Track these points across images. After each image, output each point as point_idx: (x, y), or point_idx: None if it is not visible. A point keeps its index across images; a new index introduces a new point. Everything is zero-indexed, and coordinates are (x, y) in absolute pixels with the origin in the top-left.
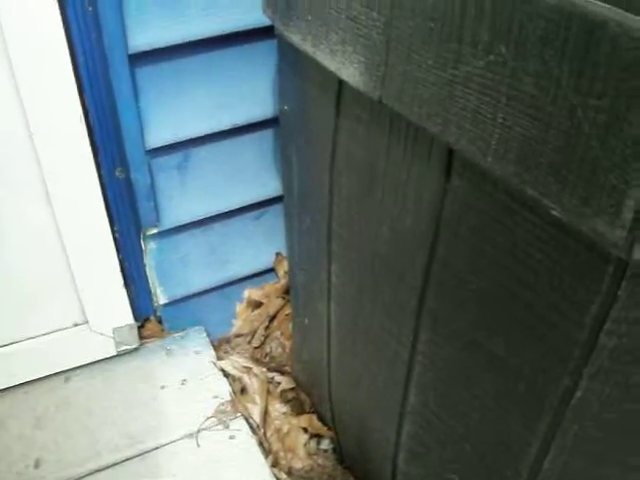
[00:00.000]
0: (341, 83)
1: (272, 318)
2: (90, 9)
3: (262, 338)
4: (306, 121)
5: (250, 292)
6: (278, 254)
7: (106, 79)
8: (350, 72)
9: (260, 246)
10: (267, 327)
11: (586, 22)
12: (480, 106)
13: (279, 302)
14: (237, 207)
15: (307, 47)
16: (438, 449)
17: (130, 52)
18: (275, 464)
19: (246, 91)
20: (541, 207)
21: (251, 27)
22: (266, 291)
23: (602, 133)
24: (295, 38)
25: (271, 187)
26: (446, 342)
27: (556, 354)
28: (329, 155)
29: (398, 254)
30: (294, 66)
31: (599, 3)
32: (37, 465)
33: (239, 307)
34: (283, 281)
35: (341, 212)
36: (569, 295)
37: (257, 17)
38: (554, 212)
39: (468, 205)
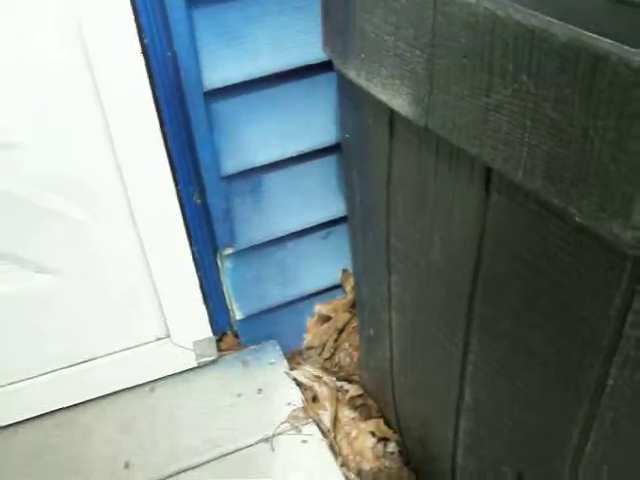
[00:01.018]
0: (392, 112)
1: (340, 331)
2: (169, 54)
3: (332, 350)
4: (365, 147)
5: (320, 307)
6: (345, 271)
7: (184, 114)
8: (399, 102)
9: (328, 264)
10: (336, 339)
11: (592, 55)
12: (510, 129)
13: (346, 316)
14: (306, 227)
15: (362, 81)
16: (491, 443)
17: (205, 90)
18: (345, 466)
19: (310, 120)
20: (566, 214)
21: (313, 62)
22: (334, 306)
23: (611, 149)
24: (351, 74)
25: (336, 208)
26: (493, 341)
27: (588, 346)
28: (385, 176)
29: (448, 263)
30: (351, 98)
31: (603, 39)
32: (127, 466)
33: (310, 321)
34: (350, 296)
35: (398, 227)
36: (595, 291)
37: (318, 52)
38: (577, 218)
39: (506, 216)
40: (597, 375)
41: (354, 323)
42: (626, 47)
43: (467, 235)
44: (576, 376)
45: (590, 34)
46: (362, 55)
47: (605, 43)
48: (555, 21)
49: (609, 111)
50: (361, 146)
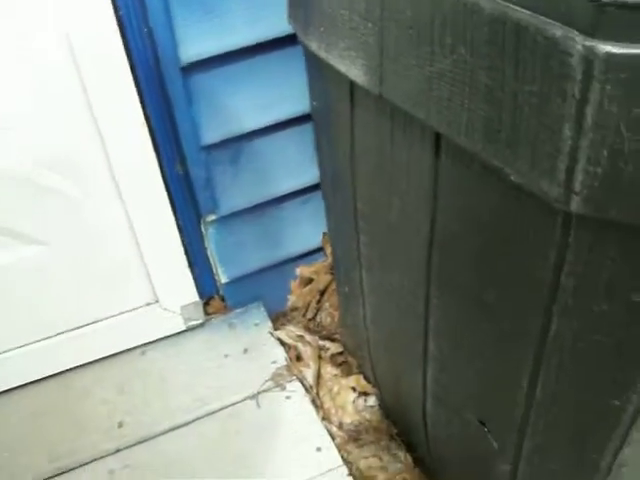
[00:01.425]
0: (352, 82)
1: (322, 292)
2: (145, 30)
3: (314, 310)
4: (330, 115)
5: (302, 269)
6: (325, 234)
7: (163, 89)
8: (356, 73)
9: (308, 227)
10: (318, 300)
11: (515, 26)
12: (451, 96)
13: (328, 278)
14: (285, 193)
15: (322, 53)
16: (455, 392)
17: (182, 64)
18: (327, 420)
19: (286, 90)
20: (503, 174)
21: (286, 34)
22: (316, 268)
23: (537, 112)
24: (313, 46)
25: (314, 174)
26: (451, 295)
27: (532, 296)
28: (349, 143)
29: (406, 224)
30: (315, 68)
31: (525, 11)
32: (120, 425)
33: (293, 284)
34: (330, 258)
35: (362, 191)
36: (534, 245)
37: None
38: (512, 177)
39: (455, 178)
40: (541, 322)
41: (335, 284)
42: (542, 18)
43: (422, 196)
44: (524, 325)
45: (513, 7)
46: (321, 28)
47: (526, 15)
48: None
49: (533, 77)
50: (327, 114)
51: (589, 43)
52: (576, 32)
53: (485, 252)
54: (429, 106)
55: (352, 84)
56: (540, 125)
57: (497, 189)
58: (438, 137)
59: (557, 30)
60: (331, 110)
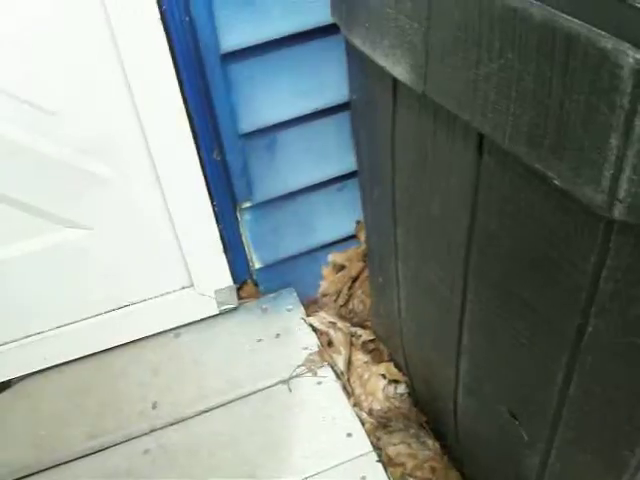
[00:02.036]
0: (395, 79)
1: (354, 279)
2: (187, 19)
3: (346, 297)
4: (371, 109)
5: (334, 256)
6: (359, 222)
7: (203, 76)
8: (400, 70)
9: (343, 215)
10: (350, 287)
11: (565, 35)
12: (497, 99)
13: (360, 265)
14: (320, 181)
15: (366, 49)
16: (487, 384)
17: (222, 52)
18: (357, 406)
19: (323, 79)
20: (547, 178)
21: (325, 23)
22: (349, 255)
23: (583, 121)
24: (357, 41)
25: (350, 162)
26: (488, 290)
27: (569, 297)
28: (390, 137)
29: (446, 218)
30: (358, 63)
31: (576, 21)
32: (155, 406)
33: (325, 270)
34: (364, 246)
35: (402, 183)
36: (575, 248)
37: (329, 14)
38: (555, 182)
39: (497, 177)
40: (578, 323)
41: (367, 272)
42: (593, 29)
43: (462, 194)
44: (560, 324)
45: (564, 16)
46: (366, 25)
47: (578, 25)
48: (534, 1)
49: (581, 87)
50: (367, 108)
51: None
52: (627, 44)
53: (524, 252)
54: (474, 108)
55: (395, 81)
56: (586, 133)
57: (539, 192)
58: (481, 137)
59: (608, 42)
60: (372, 104)
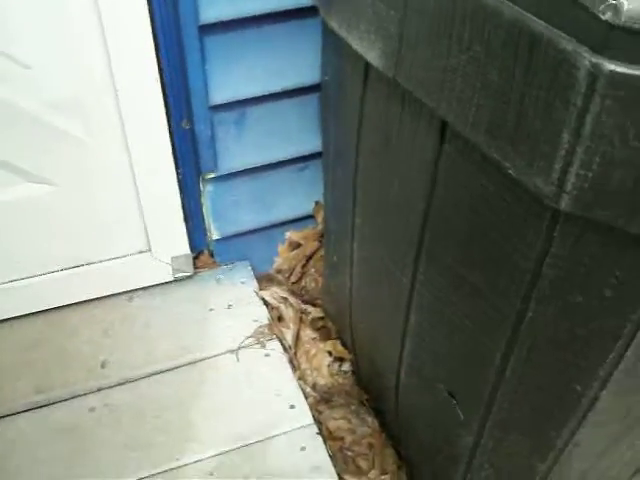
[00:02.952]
0: (367, 63)
1: (308, 258)
2: None
3: (299, 274)
4: (341, 91)
5: (291, 234)
6: (317, 202)
7: (179, 45)
8: (373, 55)
9: (302, 195)
10: (304, 265)
11: (530, 35)
12: (462, 89)
13: (315, 244)
14: (283, 159)
15: (342, 32)
16: (430, 363)
17: (200, 24)
18: (302, 380)
19: (295, 60)
20: (502, 167)
21: (303, 5)
22: (305, 234)
23: (540, 115)
24: (334, 24)
25: (313, 144)
26: (437, 274)
27: (513, 282)
28: (357, 120)
29: (404, 202)
30: (333, 45)
31: (541, 22)
32: (103, 366)
33: (281, 247)
34: (320, 226)
35: (364, 166)
36: (522, 235)
37: None
38: (510, 171)
39: (456, 164)
40: (519, 307)
41: (321, 252)
42: (556, 31)
43: (421, 179)
44: (503, 307)
45: (531, 16)
46: (344, 9)
47: (541, 26)
48: (505, 1)
49: (541, 83)
50: (338, 89)
51: (596, 60)
52: (585, 48)
53: (475, 236)
54: (440, 96)
55: (367, 65)
56: (542, 127)
57: (494, 180)
58: (444, 125)
59: (568, 44)
60: (342, 87)
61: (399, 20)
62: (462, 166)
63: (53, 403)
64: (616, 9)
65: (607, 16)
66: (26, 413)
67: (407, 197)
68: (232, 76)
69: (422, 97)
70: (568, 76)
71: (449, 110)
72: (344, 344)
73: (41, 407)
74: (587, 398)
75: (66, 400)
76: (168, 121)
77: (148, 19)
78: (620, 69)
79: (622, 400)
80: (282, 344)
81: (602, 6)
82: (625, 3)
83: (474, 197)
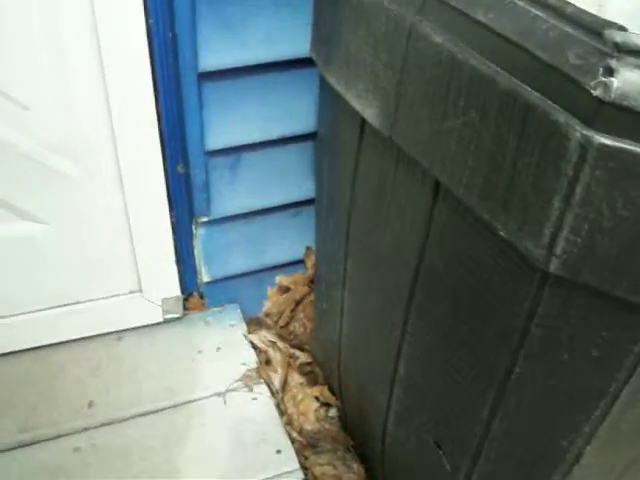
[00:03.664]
0: (364, 119)
1: (298, 302)
2: (170, 35)
3: (287, 319)
4: (336, 144)
5: (281, 278)
6: (308, 248)
7: (178, 91)
8: (370, 113)
9: (293, 240)
10: (293, 310)
11: (525, 105)
12: (457, 152)
13: (305, 289)
14: (276, 205)
15: (340, 89)
16: (417, 414)
17: (199, 71)
18: (289, 424)
19: (293, 108)
20: (494, 228)
21: (301, 56)
22: (295, 279)
23: (532, 182)
24: (332, 80)
25: (307, 190)
26: (428, 326)
27: (502, 339)
28: (351, 173)
29: (396, 256)
30: (330, 99)
31: (535, 93)
32: (90, 405)
33: (270, 291)
34: (310, 272)
35: (357, 217)
36: (511, 294)
37: (306, 48)
38: (501, 233)
39: (448, 222)
40: (507, 364)
41: (311, 297)
42: (550, 102)
43: (414, 234)
44: (491, 363)
45: (525, 86)
46: (343, 66)
47: (536, 97)
48: (501, 71)
49: (533, 151)
50: (333, 142)
51: (587, 132)
52: (577, 120)
53: (465, 293)
54: (435, 157)
55: (364, 121)
56: (533, 193)
57: (485, 240)
58: (438, 184)
59: (561, 116)
60: (338, 140)
61: (397, 81)
62: (454, 224)
63: (38, 442)
64: (606, 86)
65: (598, 92)
66: (11, 452)
67: (399, 252)
68: (229, 122)
69: (417, 156)
70: (560, 146)
71: (443, 171)
72: (331, 390)
73: (26, 446)
74: (572, 454)
75: (51, 439)
76: (164, 165)
77: (149, 65)
78: (609, 142)
79: (606, 455)
80: (270, 388)
81: (593, 82)
82: (615, 81)
83: (465, 255)
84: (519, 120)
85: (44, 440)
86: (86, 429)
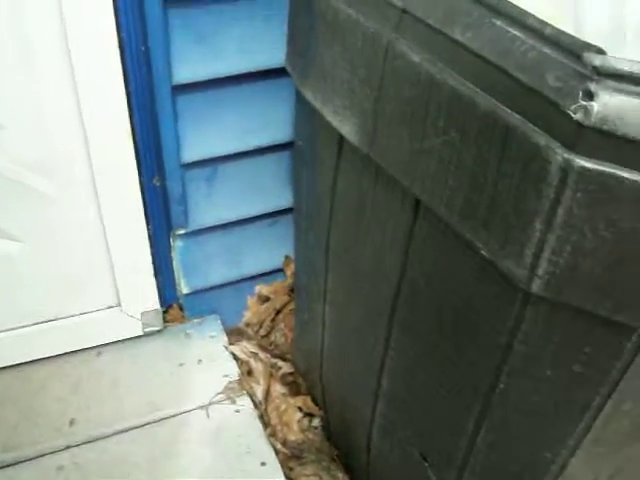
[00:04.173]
0: (341, 135)
1: (278, 312)
2: (143, 48)
3: (268, 329)
4: (314, 158)
5: (260, 288)
6: (287, 257)
7: (152, 105)
8: (347, 130)
9: (272, 249)
10: (273, 319)
11: (505, 127)
12: (437, 171)
13: (285, 298)
14: (254, 215)
15: (317, 104)
16: (402, 426)
17: (173, 84)
18: (273, 436)
19: (269, 119)
20: (475, 247)
21: (276, 66)
22: (274, 288)
23: (513, 203)
24: (308, 95)
25: (284, 199)
26: (410, 341)
27: (485, 355)
28: (330, 187)
29: (377, 271)
30: (307, 113)
31: (516, 116)
32: (72, 424)
33: (250, 300)
34: (290, 280)
35: (337, 233)
36: (494, 312)
37: (281, 58)
38: (482, 252)
39: (429, 239)
40: (491, 380)
41: (291, 306)
42: (530, 125)
43: (395, 250)
44: (475, 378)
45: (505, 108)
46: (319, 81)
47: (516, 119)
48: (480, 92)
49: (514, 173)
50: (311, 156)
51: (567, 155)
52: (558, 144)
53: (448, 310)
54: (414, 175)
55: (341, 137)
56: (514, 214)
57: (466, 258)
58: (418, 202)
59: (541, 139)
60: (316, 154)
61: (375, 99)
62: (436, 242)
63: (20, 462)
64: (586, 110)
65: (578, 116)
66: None
67: (380, 268)
68: (204, 134)
69: (396, 175)
70: (541, 169)
71: (423, 190)
72: (314, 400)
73: (8, 466)
74: (556, 465)
75: (34, 459)
76: (139, 178)
77: (122, 80)
78: (590, 165)
79: (590, 467)
80: (252, 400)
81: (573, 106)
82: (595, 105)
83: (447, 272)
84: (499, 142)
85: (26, 460)
86: (68, 447)
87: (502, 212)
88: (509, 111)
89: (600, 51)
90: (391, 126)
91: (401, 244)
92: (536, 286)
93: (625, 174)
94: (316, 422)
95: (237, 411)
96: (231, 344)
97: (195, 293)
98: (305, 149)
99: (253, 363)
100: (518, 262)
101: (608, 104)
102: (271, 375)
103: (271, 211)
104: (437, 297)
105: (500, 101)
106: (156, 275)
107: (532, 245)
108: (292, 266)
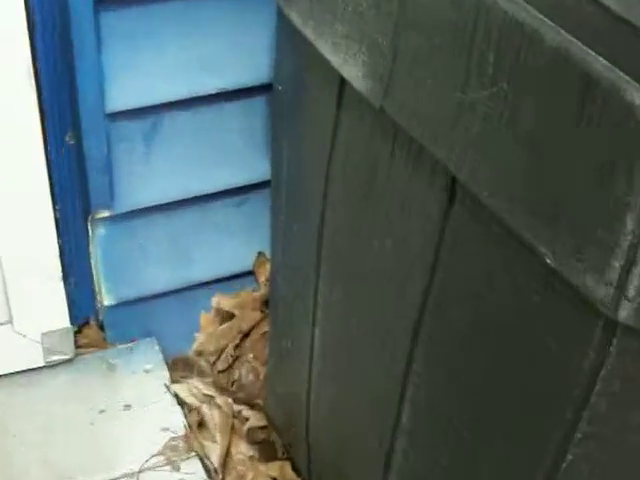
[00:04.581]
0: (343, 79)
1: (245, 335)
2: None
3: (230, 360)
4: (302, 111)
5: (220, 300)
6: (260, 254)
7: (63, 22)
8: (352, 72)
9: (238, 242)
10: (237, 346)
11: (583, 75)
12: (482, 136)
13: (256, 316)
14: (213, 191)
15: (308, 32)
16: None
17: None
18: None
19: (237, 49)
20: (535, 251)
21: None
22: (241, 300)
23: (594, 188)
24: (295, 18)
25: (257, 169)
26: (440, 365)
27: (550, 406)
28: (326, 153)
29: (395, 272)
30: (293, 45)
31: (600, 59)
32: None
33: (204, 318)
34: (264, 290)
35: (335, 220)
36: (560, 344)
37: None
38: (547, 260)
39: (469, 233)
40: (557, 445)
41: (264, 327)
42: (619, 73)
43: (421, 245)
44: (535, 439)
45: (584, 47)
46: None
47: (598, 63)
48: (548, 22)
49: (597, 142)
50: (298, 107)
51: None
52: None
53: (490, 329)
54: (449, 142)
55: (343, 81)
56: (596, 202)
57: (522, 262)
58: (454, 181)
59: (635, 94)
60: (305, 105)
61: (393, 29)
62: (478, 236)
63: None
64: None
65: None
66: None
67: (399, 266)
68: (142, 70)
69: (422, 140)
70: (635, 137)
71: (461, 164)
72: (296, 466)
73: None
74: None
75: None
76: (44, 134)
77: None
78: None
79: None
80: (204, 466)
81: None
82: None
83: (493, 279)
84: (576, 96)
85: None
86: None
87: (577, 200)
88: (590, 51)
89: None
90: (415, 69)
91: (430, 237)
92: (625, 312)
93: None
94: None
95: None
96: (174, 382)
97: (122, 305)
98: (288, 98)
99: (207, 411)
100: (599, 277)
101: None
102: (233, 429)
103: (237, 186)
104: (476, 310)
105: (577, 37)
106: (65, 278)
107: (621, 252)
108: (267, 268)
